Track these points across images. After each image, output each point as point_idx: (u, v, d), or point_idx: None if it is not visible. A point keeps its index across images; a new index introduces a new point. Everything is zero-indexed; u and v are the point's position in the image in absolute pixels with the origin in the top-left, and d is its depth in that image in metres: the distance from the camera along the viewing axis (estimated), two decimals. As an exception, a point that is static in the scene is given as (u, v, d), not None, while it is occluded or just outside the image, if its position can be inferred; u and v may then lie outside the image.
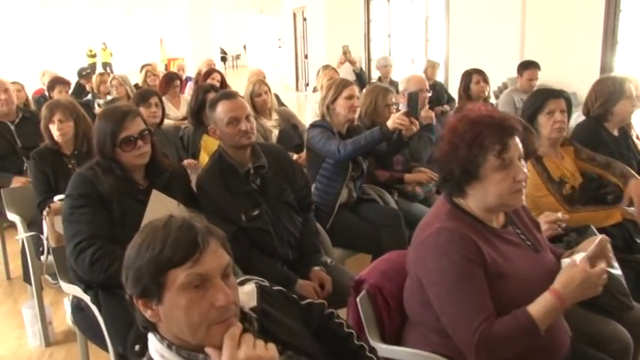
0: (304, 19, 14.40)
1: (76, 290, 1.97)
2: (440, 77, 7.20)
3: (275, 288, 1.31)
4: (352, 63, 6.83)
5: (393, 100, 3.29)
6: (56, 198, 2.78)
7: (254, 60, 23.77)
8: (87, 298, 1.90)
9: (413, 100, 2.68)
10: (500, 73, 6.64)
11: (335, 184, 2.90)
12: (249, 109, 2.26)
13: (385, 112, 3.24)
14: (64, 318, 3.11)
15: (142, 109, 3.37)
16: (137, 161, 2.05)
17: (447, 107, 6.01)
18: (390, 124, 2.69)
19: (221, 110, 2.22)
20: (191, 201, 2.20)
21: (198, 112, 3.62)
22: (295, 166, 2.46)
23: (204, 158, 3.64)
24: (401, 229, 2.82)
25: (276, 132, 3.96)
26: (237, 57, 27.18)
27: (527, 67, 4.54)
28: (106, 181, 1.97)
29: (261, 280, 1.28)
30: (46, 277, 2.77)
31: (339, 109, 2.93)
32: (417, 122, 2.73)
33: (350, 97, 2.92)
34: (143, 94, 3.64)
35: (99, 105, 5.87)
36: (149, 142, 2.08)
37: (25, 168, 3.54)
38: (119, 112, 2.03)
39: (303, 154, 3.44)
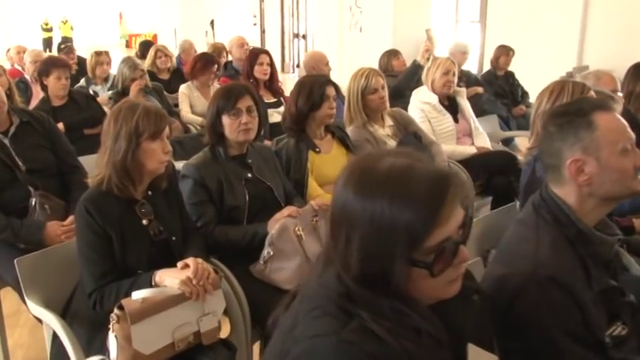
0: (295, -5, 13.12)
1: None
2: (470, 65, 5.94)
3: None
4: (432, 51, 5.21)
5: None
6: (135, 295, 1.54)
7: (222, 37, 22.14)
8: None
9: None
10: (556, 62, 5.71)
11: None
12: None
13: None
14: None
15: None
16: None
17: (522, 107, 4.94)
18: None
19: (608, 129, 1.21)
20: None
21: (305, 116, 2.39)
22: None
23: (314, 188, 2.43)
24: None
25: (391, 143, 2.80)
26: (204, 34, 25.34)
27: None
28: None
29: None
30: None
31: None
32: None
33: None
34: (228, 93, 2.05)
35: (95, 92, 4.49)
36: None
37: (33, 204, 2.24)
38: None
39: None
